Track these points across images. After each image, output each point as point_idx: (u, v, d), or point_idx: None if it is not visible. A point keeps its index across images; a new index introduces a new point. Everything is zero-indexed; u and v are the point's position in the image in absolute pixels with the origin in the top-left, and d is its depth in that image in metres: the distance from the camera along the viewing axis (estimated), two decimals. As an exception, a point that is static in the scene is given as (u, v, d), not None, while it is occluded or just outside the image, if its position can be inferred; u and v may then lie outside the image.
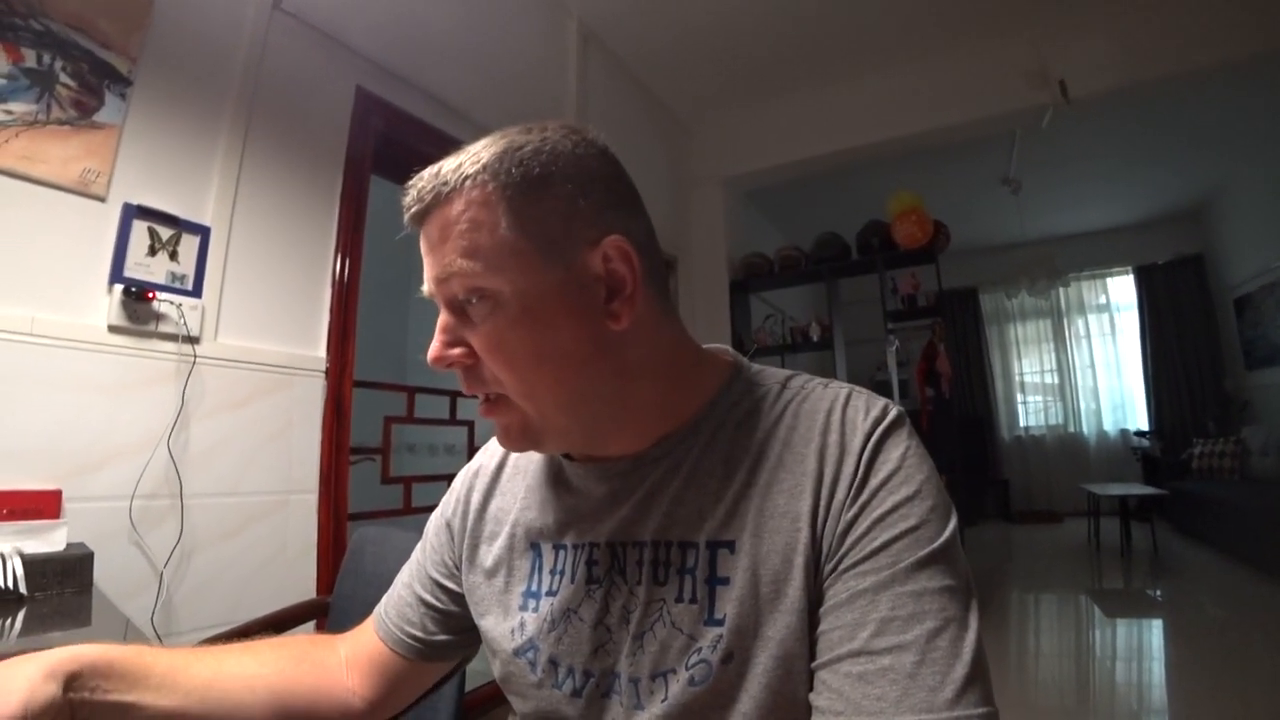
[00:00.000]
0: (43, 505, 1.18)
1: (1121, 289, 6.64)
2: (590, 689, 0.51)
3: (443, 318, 0.49)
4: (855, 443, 0.47)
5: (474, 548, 0.61)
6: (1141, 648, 3.00)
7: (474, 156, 0.47)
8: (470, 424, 2.41)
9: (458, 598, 0.62)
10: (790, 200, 4.98)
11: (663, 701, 0.47)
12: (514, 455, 0.64)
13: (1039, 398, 7.01)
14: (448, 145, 1.87)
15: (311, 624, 1.38)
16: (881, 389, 4.78)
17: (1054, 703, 2.35)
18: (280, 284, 1.69)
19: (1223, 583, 3.82)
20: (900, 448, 0.46)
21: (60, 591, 1.09)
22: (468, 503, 0.64)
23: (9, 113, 1.25)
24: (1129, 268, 6.49)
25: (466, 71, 2.29)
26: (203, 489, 1.46)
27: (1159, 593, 3.79)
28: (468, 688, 1.30)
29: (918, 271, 3.85)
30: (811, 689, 0.43)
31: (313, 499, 1.70)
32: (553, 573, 0.55)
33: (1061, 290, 6.32)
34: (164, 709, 0.48)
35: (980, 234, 6.33)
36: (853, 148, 3.65)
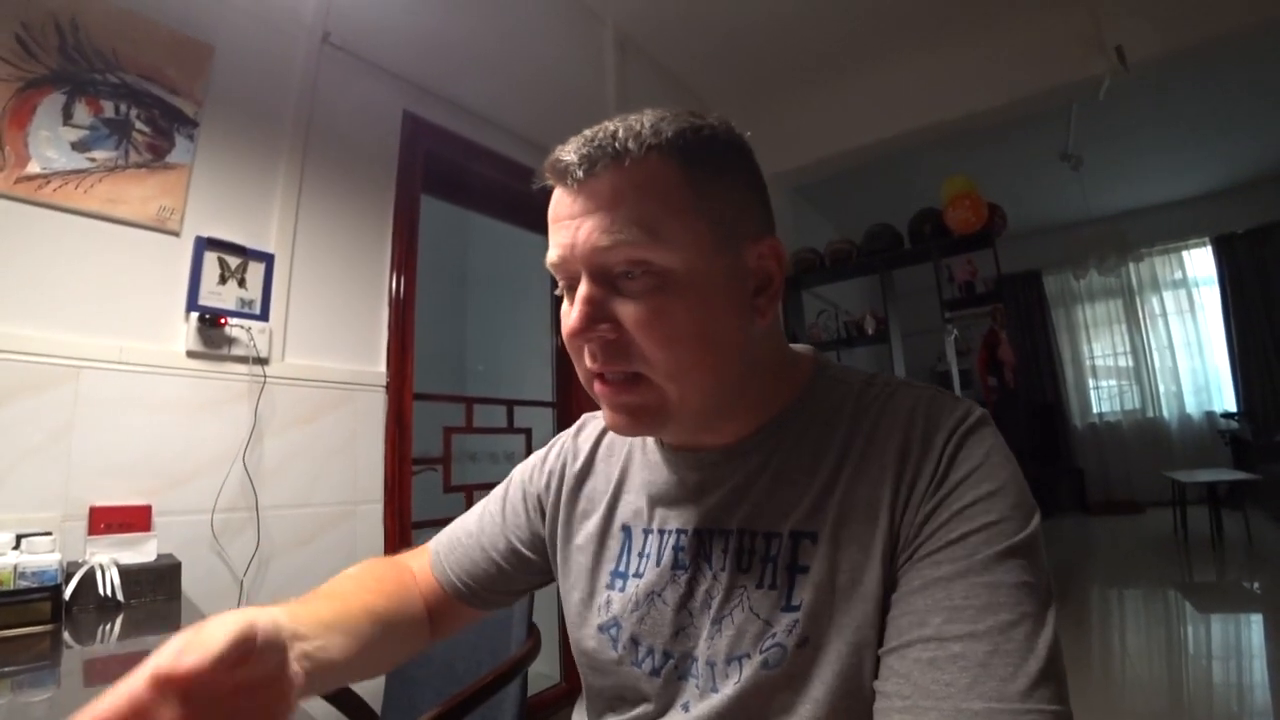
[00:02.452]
0: (135, 519, 1.27)
1: (1200, 262, 6.25)
2: (668, 670, 0.53)
3: (588, 289, 0.46)
4: (939, 439, 0.47)
5: (568, 524, 0.63)
6: (1240, 645, 2.81)
7: (652, 128, 0.46)
8: (528, 431, 2.46)
9: (530, 565, 0.67)
10: (840, 192, 4.88)
11: (735, 684, 0.48)
12: (609, 438, 0.66)
13: (1112, 382, 6.66)
14: (493, 160, 1.91)
15: (381, 628, 1.44)
16: (941, 381, 4.64)
17: (1144, 705, 2.23)
18: (340, 304, 1.78)
19: (1329, 573, 3.55)
20: (984, 446, 0.46)
21: (153, 599, 1.17)
22: (562, 478, 0.65)
23: (93, 160, 1.35)
24: (1206, 239, 6.10)
25: (506, 87, 2.34)
26: (276, 501, 1.55)
27: (1257, 585, 3.55)
28: (531, 691, 1.33)
29: (974, 257, 3.72)
30: (878, 676, 0.43)
31: (378, 508, 1.77)
32: (641, 555, 0.57)
33: (1133, 267, 5.99)
34: (344, 650, 0.49)
35: (1041, 214, 6.07)
36: (902, 133, 3.55)
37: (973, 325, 3.80)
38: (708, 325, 0.47)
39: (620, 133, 0.45)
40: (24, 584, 0.99)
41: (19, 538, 1.05)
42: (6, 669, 0.85)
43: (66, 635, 0.99)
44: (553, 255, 0.48)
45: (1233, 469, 5.01)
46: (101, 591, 1.11)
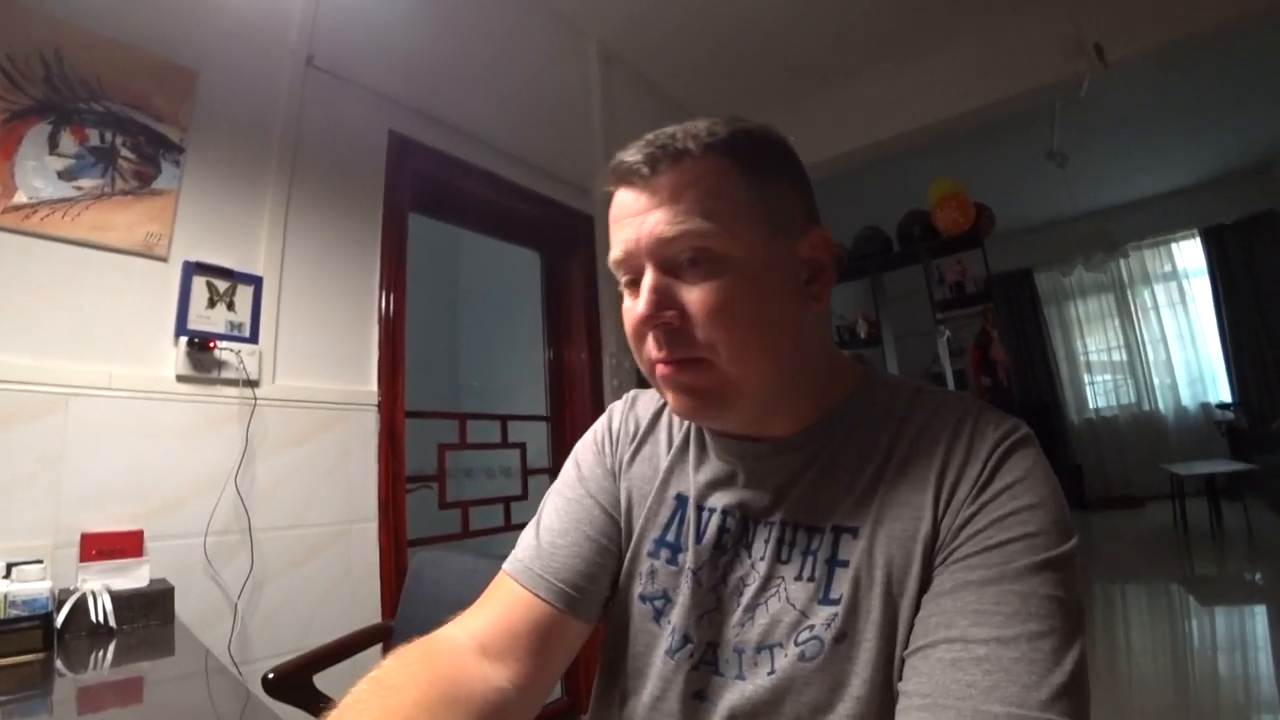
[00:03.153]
0: (127, 545, 1.27)
1: (1189, 254, 6.27)
2: (684, 655, 0.53)
3: (654, 278, 0.50)
4: (983, 449, 0.48)
5: (629, 488, 0.64)
6: (1244, 637, 2.80)
7: (708, 129, 0.50)
8: (523, 446, 2.46)
9: (622, 538, 0.63)
10: (828, 197, 4.78)
11: (769, 674, 0.48)
12: (666, 415, 0.66)
13: (1107, 377, 6.67)
14: (481, 177, 1.92)
15: (378, 647, 1.44)
16: (935, 382, 4.64)
17: (1150, 701, 2.22)
18: (330, 324, 1.78)
19: (1331, 561, 3.55)
20: (1028, 461, 0.47)
21: (146, 624, 1.17)
22: (624, 442, 0.66)
23: (79, 188, 1.36)
24: (1194, 231, 6.13)
25: (492, 104, 2.36)
26: (270, 523, 1.55)
27: (1259, 576, 3.54)
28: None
29: (964, 258, 3.75)
30: (901, 676, 0.44)
31: (373, 527, 1.77)
32: (688, 529, 0.58)
33: (1122, 262, 6.02)
34: None
35: (1029, 213, 6.11)
36: (887, 138, 3.58)
37: (965, 326, 3.83)
38: (766, 309, 0.49)
39: (679, 134, 0.50)
40: (15, 613, 0.99)
41: (9, 566, 1.04)
42: (-3, 699, 0.85)
43: (58, 663, 0.99)
44: (616, 252, 0.52)
45: (1230, 460, 5.02)
46: (94, 618, 1.10)
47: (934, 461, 0.48)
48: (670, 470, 0.62)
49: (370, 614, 1.69)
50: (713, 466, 0.59)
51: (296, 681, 1.20)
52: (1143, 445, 6.23)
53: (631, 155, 0.50)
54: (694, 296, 0.48)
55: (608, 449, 0.67)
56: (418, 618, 1.30)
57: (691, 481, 0.60)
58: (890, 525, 0.48)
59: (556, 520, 0.63)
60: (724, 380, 0.49)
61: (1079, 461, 6.46)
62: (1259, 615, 3.00)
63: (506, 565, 0.62)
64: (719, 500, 0.57)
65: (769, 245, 0.50)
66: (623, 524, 0.62)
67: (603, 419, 0.70)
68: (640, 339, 0.52)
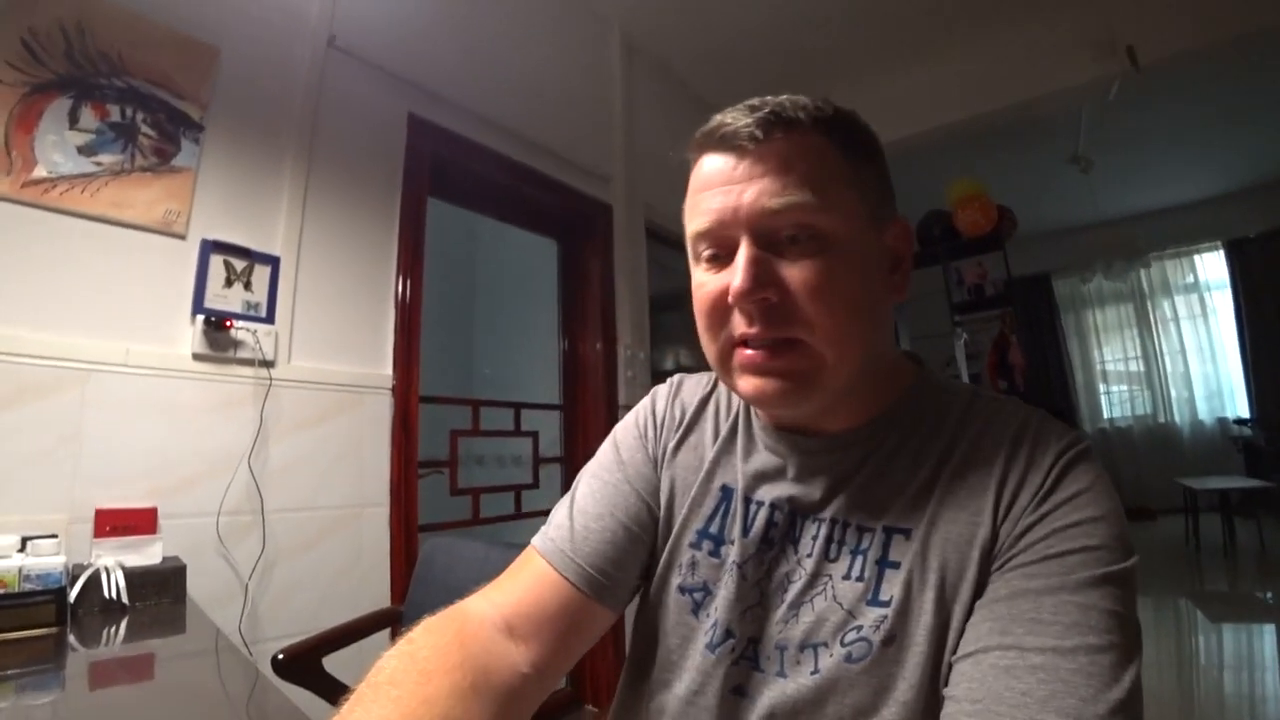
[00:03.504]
0: (140, 522, 1.27)
1: (1212, 266, 6.18)
2: (725, 649, 0.52)
3: (752, 251, 0.47)
4: (1046, 459, 0.47)
5: (672, 476, 0.62)
6: (1252, 656, 2.77)
7: (814, 105, 0.49)
8: (535, 434, 2.46)
9: (657, 527, 0.61)
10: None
11: (812, 674, 0.47)
12: (715, 400, 0.64)
13: (1123, 387, 6.60)
14: (500, 163, 1.91)
15: (386, 631, 1.44)
16: (949, 384, 4.61)
17: (1156, 715, 2.20)
18: (346, 307, 1.78)
19: (1345, 582, 3.50)
20: (1091, 474, 0.46)
21: (158, 601, 1.17)
22: (671, 429, 0.64)
23: (99, 164, 1.36)
24: (1219, 243, 6.03)
25: (512, 90, 2.35)
26: (282, 504, 1.55)
27: (1270, 595, 3.50)
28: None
29: (984, 260, 3.71)
30: (948, 682, 0.43)
31: (384, 512, 1.77)
32: (734, 522, 0.56)
33: (1143, 271, 5.94)
34: None
35: (1050, 217, 6.02)
36: (911, 135, 3.53)
37: (982, 329, 3.79)
38: (866, 292, 0.49)
39: (788, 104, 0.48)
40: (29, 586, 0.99)
41: (24, 540, 1.05)
42: (11, 672, 0.85)
43: (71, 638, 0.99)
44: (705, 221, 0.49)
45: (1246, 476, 4.95)
46: (106, 594, 1.11)
47: (994, 467, 0.47)
48: (716, 461, 0.60)
49: (379, 598, 1.69)
50: (762, 458, 0.57)
51: (305, 663, 1.20)
52: (1157, 458, 6.16)
53: (740, 119, 0.48)
54: (796, 273, 0.46)
55: (650, 435, 0.64)
56: (427, 603, 1.29)
57: (739, 472, 0.58)
58: (946, 529, 0.47)
59: (591, 503, 0.61)
60: (818, 363, 0.48)
61: (1090, 471, 6.39)
62: (1268, 635, 2.97)
63: (537, 542, 0.61)
64: (767, 493, 0.56)
65: (866, 228, 0.49)
66: (661, 514, 0.61)
67: (645, 402, 0.68)
68: (722, 317, 0.50)
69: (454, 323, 3.51)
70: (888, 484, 0.51)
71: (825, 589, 0.50)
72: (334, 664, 1.23)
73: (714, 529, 0.57)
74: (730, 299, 0.48)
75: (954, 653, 0.43)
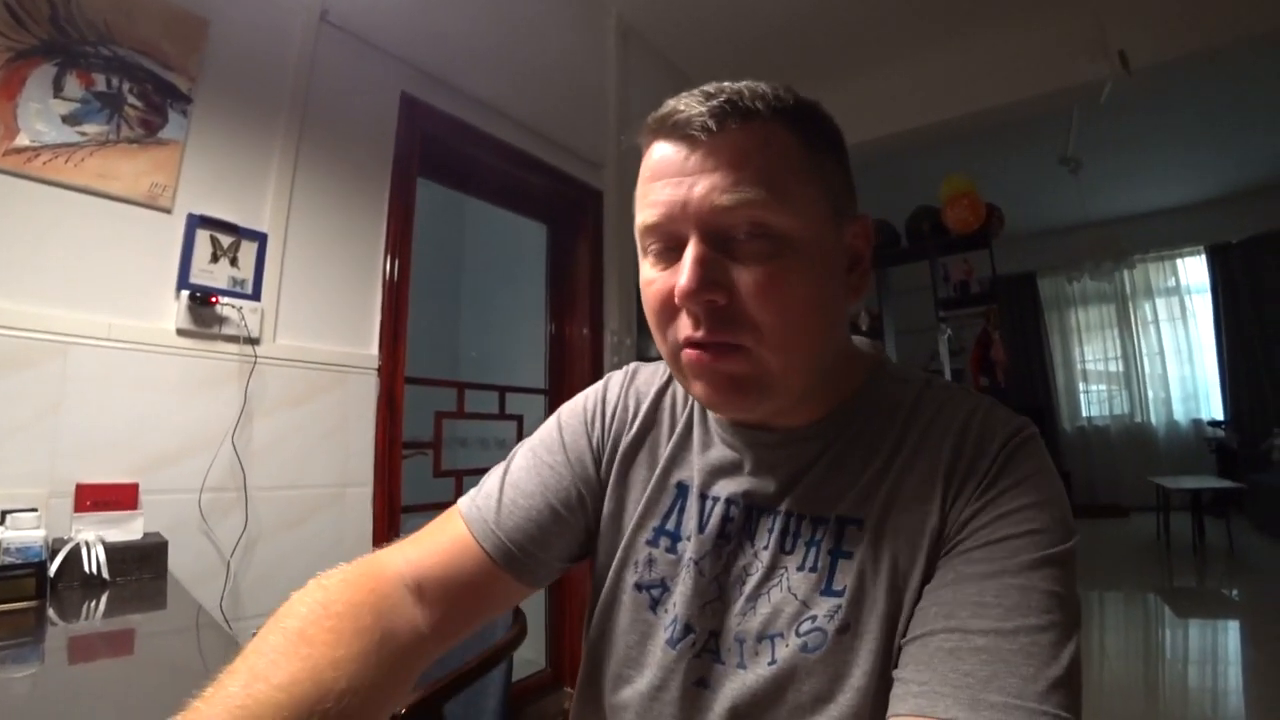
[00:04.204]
0: (122, 497, 1.27)
1: (1193, 270, 6.29)
2: (685, 644, 0.52)
3: (700, 250, 0.44)
4: (992, 446, 0.47)
5: (625, 471, 0.61)
6: (1216, 651, 2.86)
7: (774, 93, 0.46)
8: (520, 418, 2.46)
9: (584, 519, 0.61)
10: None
11: (770, 664, 0.48)
12: (671, 393, 0.63)
13: (1103, 386, 6.71)
14: (492, 145, 1.88)
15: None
16: (933, 379, 4.65)
17: (1121, 706, 2.27)
18: (333, 286, 1.76)
19: (1307, 581, 3.60)
20: (1035, 460, 0.47)
21: (139, 577, 1.17)
22: (622, 423, 0.62)
23: (83, 134, 1.34)
24: (1200, 247, 6.13)
25: (507, 72, 2.32)
26: (265, 482, 1.54)
27: (1235, 593, 3.60)
28: (516, 677, 1.34)
29: (970, 257, 3.74)
30: (897, 664, 0.44)
31: (368, 492, 1.77)
32: (689, 518, 0.56)
33: (1126, 273, 6.02)
34: None
35: (1038, 217, 6.08)
36: (903, 131, 3.54)
37: (967, 325, 3.82)
38: (821, 295, 0.47)
39: (746, 93, 0.45)
40: (8, 560, 0.99)
41: (4, 513, 1.04)
42: (-11, 644, 0.85)
43: (51, 612, 0.99)
44: (652, 215, 0.47)
45: (1217, 477, 5.07)
46: (87, 569, 1.10)
47: (942, 456, 0.48)
48: (672, 458, 0.59)
49: (360, 578, 1.70)
50: (718, 452, 0.57)
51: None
52: (1132, 456, 6.29)
53: (693, 106, 0.45)
54: (746, 276, 0.44)
55: (597, 423, 0.63)
56: (408, 586, 1.31)
57: (695, 468, 0.57)
58: (897, 518, 0.47)
59: (525, 477, 0.60)
60: (764, 369, 0.46)
61: (1068, 468, 6.51)
62: (1232, 630, 3.05)
63: (463, 507, 0.60)
64: (723, 489, 0.55)
65: (825, 227, 0.47)
66: (607, 508, 0.60)
67: (597, 388, 0.66)
68: (669, 316, 0.48)
69: (440, 304, 3.49)
70: (841, 475, 0.51)
71: (781, 580, 0.50)
72: (315, 642, 1.23)
73: (670, 526, 0.57)
74: (676, 299, 0.45)
75: (904, 637, 0.44)
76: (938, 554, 0.46)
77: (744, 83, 0.47)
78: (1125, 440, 6.43)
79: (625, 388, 0.65)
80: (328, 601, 0.47)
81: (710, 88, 0.46)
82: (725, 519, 0.54)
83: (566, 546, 0.60)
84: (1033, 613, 0.40)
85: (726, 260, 0.45)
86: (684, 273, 0.44)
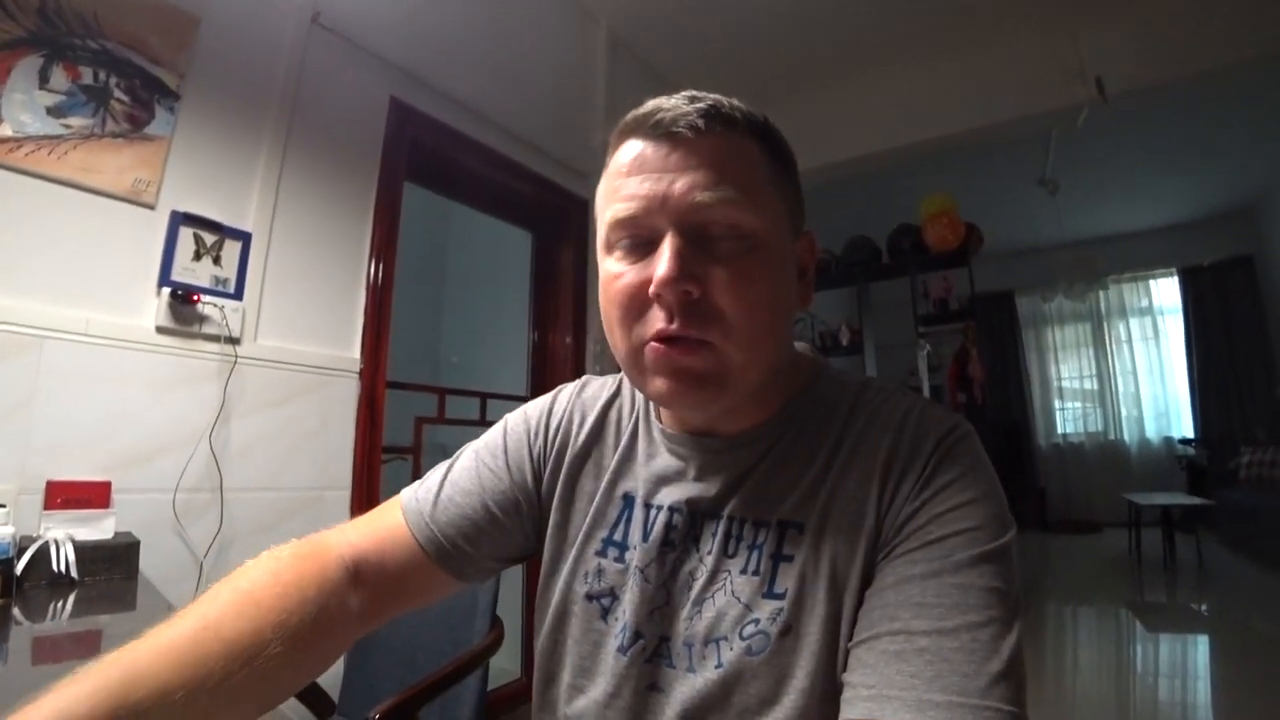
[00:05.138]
0: (93, 495, 1.24)
1: (1165, 291, 6.44)
2: (636, 650, 0.53)
3: (678, 242, 0.46)
4: (926, 445, 0.48)
5: (571, 481, 0.62)
6: (1186, 665, 2.89)
7: (747, 108, 0.50)
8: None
9: (523, 525, 0.62)
10: (821, 203, 4.89)
11: (716, 667, 0.49)
12: (618, 405, 0.64)
13: (1078, 404, 6.83)
14: (480, 152, 1.89)
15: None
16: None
17: None
18: (317, 287, 1.75)
19: (1273, 598, 3.67)
20: (969, 457, 0.48)
21: (109, 577, 1.15)
22: (570, 432, 0.63)
23: (68, 127, 1.32)
24: (1173, 269, 6.28)
25: (496, 80, 2.34)
26: (242, 483, 1.52)
27: (1204, 607, 3.66)
28: (491, 685, 1.33)
29: (950, 275, 3.80)
30: (845, 668, 0.44)
31: (346, 496, 1.75)
32: (636, 527, 0.57)
33: (1101, 293, 6.15)
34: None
35: (1016, 236, 6.20)
36: (885, 150, 3.60)
37: (945, 341, 3.88)
38: (782, 297, 0.50)
39: (726, 103, 0.48)
40: (-26, 556, 0.96)
41: (-29, 509, 1.02)
42: (-49, 642, 0.83)
43: (16, 611, 0.97)
44: (629, 208, 0.47)
45: (1188, 493, 5.17)
46: (55, 568, 1.08)
47: (878, 458, 0.49)
48: (618, 470, 0.60)
49: (336, 582, 1.67)
50: (663, 461, 0.58)
51: (259, 645, 1.19)
52: (1105, 473, 6.39)
53: (680, 106, 0.47)
54: (719, 272, 0.46)
55: (540, 436, 0.64)
56: (386, 589, 1.29)
57: (640, 478, 0.59)
58: (836, 521, 0.48)
59: (465, 477, 0.62)
60: (725, 366, 0.47)
61: (1043, 484, 6.61)
62: (1201, 645, 3.10)
63: (404, 497, 0.63)
64: (667, 497, 0.56)
65: (786, 236, 0.51)
66: (553, 518, 0.61)
67: (546, 399, 0.67)
68: (638, 311, 0.48)
69: (424, 309, 3.48)
70: (782, 479, 0.52)
71: (725, 584, 0.51)
72: (289, 645, 1.22)
73: (618, 536, 0.58)
74: (652, 289, 0.46)
75: (848, 639, 0.45)
76: (875, 555, 0.47)
77: (714, 95, 0.50)
78: (1099, 457, 6.54)
79: (572, 401, 0.66)
80: (278, 570, 0.52)
81: (693, 93, 0.49)
82: (669, 526, 0.55)
83: (501, 548, 0.62)
84: (972, 610, 0.41)
85: (702, 256, 0.46)
86: (663, 262, 0.45)
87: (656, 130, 0.47)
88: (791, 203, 0.52)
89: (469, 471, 0.63)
